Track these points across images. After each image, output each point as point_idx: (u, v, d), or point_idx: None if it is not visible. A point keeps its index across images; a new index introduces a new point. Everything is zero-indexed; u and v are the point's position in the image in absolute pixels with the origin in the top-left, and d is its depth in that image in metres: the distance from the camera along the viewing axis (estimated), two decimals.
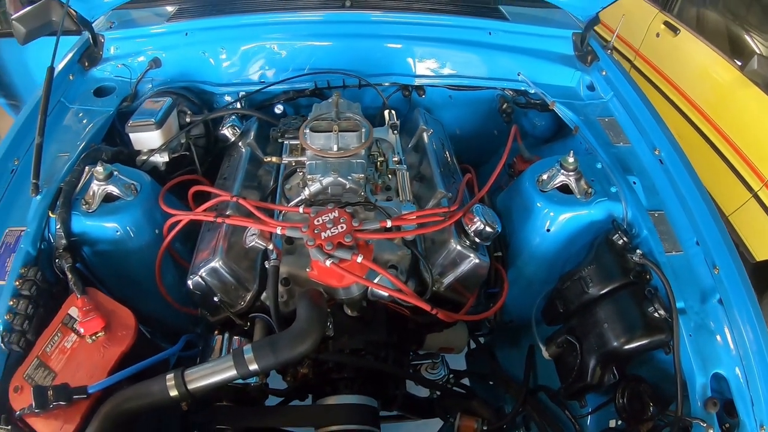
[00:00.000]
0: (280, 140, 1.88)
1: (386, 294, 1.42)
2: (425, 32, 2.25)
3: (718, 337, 1.33)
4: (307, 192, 1.59)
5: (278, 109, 2.22)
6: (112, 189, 1.61)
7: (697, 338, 1.32)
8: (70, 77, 2.07)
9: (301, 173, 1.73)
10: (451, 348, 1.84)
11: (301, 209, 1.50)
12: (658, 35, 4.16)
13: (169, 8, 2.37)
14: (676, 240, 1.55)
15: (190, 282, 1.55)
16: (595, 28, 2.25)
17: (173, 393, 1.26)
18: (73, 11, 2.03)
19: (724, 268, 1.43)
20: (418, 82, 2.24)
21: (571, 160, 1.58)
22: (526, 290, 1.70)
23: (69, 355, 1.38)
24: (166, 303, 1.74)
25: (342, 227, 1.31)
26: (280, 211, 1.61)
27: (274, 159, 1.81)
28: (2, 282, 1.42)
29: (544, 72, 2.21)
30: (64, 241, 1.53)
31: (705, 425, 1.18)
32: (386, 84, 2.22)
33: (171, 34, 2.25)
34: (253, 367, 1.27)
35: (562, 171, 1.60)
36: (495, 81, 2.21)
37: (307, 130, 1.65)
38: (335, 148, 1.63)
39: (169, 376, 1.27)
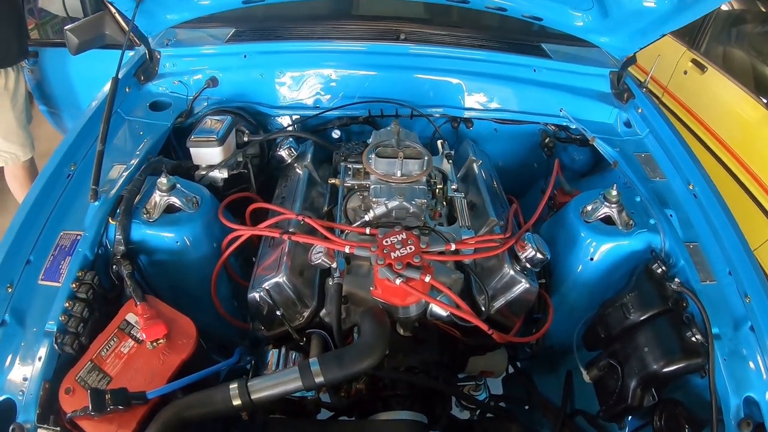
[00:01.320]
0: (343, 163, 2.00)
1: (445, 314, 1.53)
2: (474, 67, 2.42)
3: (751, 363, 1.47)
4: (371, 214, 1.71)
5: (335, 134, 2.37)
6: (174, 200, 1.71)
7: (731, 363, 1.46)
8: (127, 90, 2.19)
9: (362, 196, 1.86)
10: (492, 372, 1.93)
11: (367, 230, 1.63)
12: (685, 73, 4.36)
13: (226, 30, 2.52)
14: (710, 270, 1.69)
15: (253, 296, 1.62)
16: None
17: (236, 402, 1.31)
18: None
19: (755, 297, 1.59)
20: (466, 114, 2.40)
21: (614, 193, 1.75)
22: (568, 316, 1.83)
23: (125, 361, 1.41)
24: (216, 315, 1.84)
25: (410, 248, 1.44)
26: (342, 231, 1.70)
27: (337, 181, 1.92)
28: (57, 284, 1.48)
29: (584, 108, 2.39)
30: (122, 248, 1.60)
31: None
32: (437, 115, 2.38)
33: (229, 55, 2.38)
34: (319, 379, 1.33)
35: (605, 203, 1.77)
36: (538, 116, 2.39)
37: (373, 155, 1.79)
38: (399, 173, 1.77)
39: (233, 385, 1.33)
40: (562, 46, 2.61)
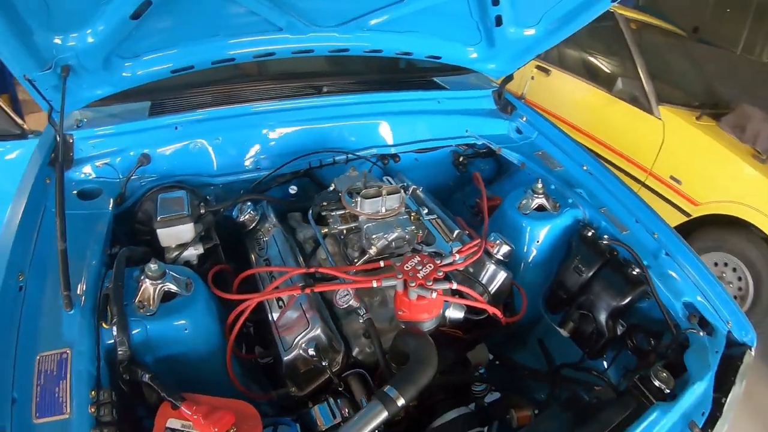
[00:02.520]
0: (323, 213, 2.11)
1: (461, 316, 1.83)
2: (391, 108, 2.73)
3: (676, 276, 2.00)
4: (374, 249, 1.90)
5: (292, 189, 2.43)
6: (170, 286, 1.63)
7: (663, 281, 1.97)
8: (47, 181, 1.97)
9: (352, 236, 2.04)
10: (479, 363, 2.13)
11: (381, 263, 1.84)
12: (533, 78, 5.18)
13: (142, 105, 2.44)
14: (622, 223, 2.21)
15: (290, 357, 1.71)
16: None
17: None
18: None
19: (660, 232, 2.17)
20: (393, 150, 2.69)
21: (539, 186, 2.26)
22: (529, 293, 2.19)
23: None
24: (234, 395, 1.76)
25: (430, 266, 1.70)
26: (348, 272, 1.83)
27: (326, 230, 2.04)
28: (63, 416, 1.29)
29: (482, 126, 2.88)
30: (127, 352, 1.46)
31: (696, 330, 1.83)
32: (368, 155, 2.61)
33: (160, 128, 2.32)
34: (400, 402, 1.43)
35: (534, 196, 2.26)
36: (449, 140, 2.81)
37: (358, 199, 1.98)
38: (383, 210, 2.01)
39: None
40: (447, 77, 3.10)
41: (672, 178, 4.29)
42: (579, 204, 2.29)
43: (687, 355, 1.76)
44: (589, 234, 2.15)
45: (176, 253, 1.97)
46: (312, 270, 1.84)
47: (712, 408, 1.66)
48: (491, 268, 2.00)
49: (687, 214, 4.22)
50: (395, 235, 1.94)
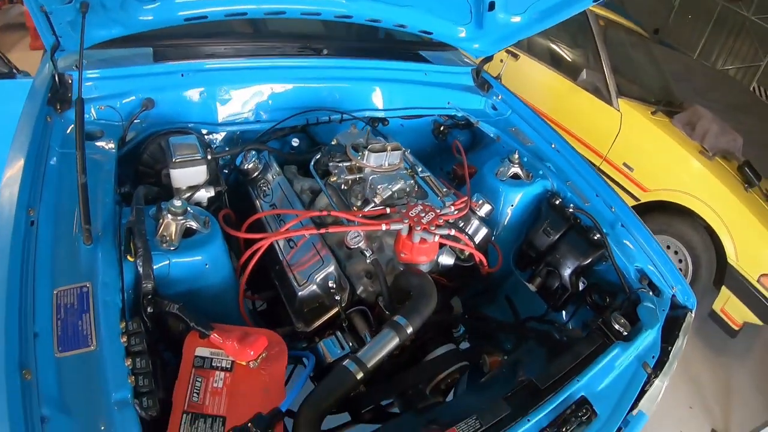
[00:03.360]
0: (331, 163, 2.24)
1: (452, 261, 2.06)
2: (384, 75, 2.94)
3: (630, 245, 2.32)
4: (379, 198, 2.08)
5: (295, 141, 2.59)
6: (191, 223, 1.71)
7: (619, 248, 2.29)
8: (48, 119, 1.96)
9: (356, 187, 2.20)
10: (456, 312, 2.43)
11: (388, 210, 2.03)
12: (501, 61, 5.47)
13: (144, 50, 2.46)
14: (585, 196, 2.51)
15: (305, 291, 1.85)
16: None
17: (359, 376, 1.51)
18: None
19: (617, 207, 2.47)
20: (383, 114, 2.89)
21: (516, 156, 2.54)
22: (502, 252, 2.46)
23: (228, 393, 1.37)
24: None
25: (431, 214, 1.92)
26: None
27: (335, 179, 2.19)
28: (88, 348, 1.28)
29: (462, 100, 3.14)
30: (151, 285, 1.52)
31: (646, 290, 2.15)
32: (360, 117, 2.78)
33: (165, 74, 2.37)
34: (409, 329, 1.62)
35: (511, 165, 2.54)
36: (432, 110, 3.06)
37: (366, 152, 2.17)
38: (386, 164, 2.20)
39: (347, 363, 1.54)
40: (430, 52, 3.34)
41: (625, 164, 4.72)
42: (548, 175, 2.59)
43: (639, 308, 2.08)
44: (557, 202, 2.45)
45: (188, 194, 2.03)
46: (324, 213, 2.00)
47: (661, 353, 1.98)
48: (475, 223, 2.25)
49: (636, 199, 4.68)
50: (398, 186, 2.13)
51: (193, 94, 2.42)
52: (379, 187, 2.11)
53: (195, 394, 1.35)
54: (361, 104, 2.88)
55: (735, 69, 10.03)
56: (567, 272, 2.30)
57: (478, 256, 2.13)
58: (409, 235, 1.91)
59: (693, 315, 2.20)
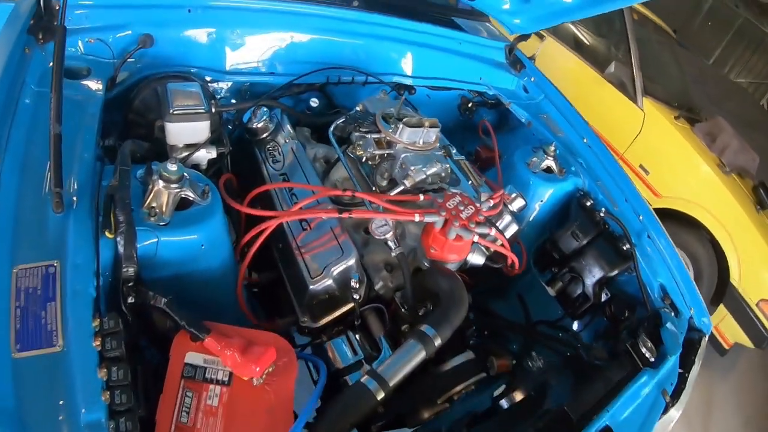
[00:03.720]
0: (356, 133, 1.99)
1: (482, 261, 1.84)
2: (416, 38, 2.67)
3: (655, 258, 2.18)
4: (409, 181, 1.81)
5: (314, 102, 2.31)
6: (188, 193, 1.45)
7: (645, 262, 2.15)
8: (27, 51, 1.65)
9: (384, 164, 1.92)
10: None
11: (421, 197, 1.75)
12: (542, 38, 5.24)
13: None
14: (614, 200, 2.36)
15: (319, 285, 1.63)
16: None
17: (380, 396, 1.33)
18: None
19: (645, 215, 2.32)
20: (410, 82, 2.63)
21: (552, 148, 2.36)
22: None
23: (225, 413, 1.15)
24: (239, 322, 1.58)
25: (471, 208, 1.70)
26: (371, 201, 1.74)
27: (361, 152, 1.92)
28: (54, 349, 1.04)
29: (493, 77, 2.93)
30: (133, 270, 1.25)
31: (668, 310, 2.02)
32: (386, 82, 2.51)
33: (169, 8, 2.08)
34: (438, 342, 1.42)
35: (546, 157, 2.36)
36: (462, 83, 2.85)
37: (400, 125, 1.90)
38: (421, 142, 1.94)
39: (365, 380, 1.35)
40: (467, 20, 3.09)
41: (641, 167, 4.57)
42: (580, 172, 2.42)
43: (663, 331, 1.95)
44: (588, 204, 2.29)
45: (185, 154, 1.77)
46: (348, 193, 1.74)
47: (678, 381, 1.87)
48: (507, 218, 2.03)
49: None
50: (434, 170, 1.89)
51: (200, 35, 2.13)
52: (412, 168, 1.86)
53: (184, 413, 1.13)
54: (388, 67, 2.63)
55: (747, 83, 9.95)
56: (591, 281, 2.15)
57: (512, 258, 1.94)
58: (443, 230, 1.69)
59: (707, 340, 2.09)
